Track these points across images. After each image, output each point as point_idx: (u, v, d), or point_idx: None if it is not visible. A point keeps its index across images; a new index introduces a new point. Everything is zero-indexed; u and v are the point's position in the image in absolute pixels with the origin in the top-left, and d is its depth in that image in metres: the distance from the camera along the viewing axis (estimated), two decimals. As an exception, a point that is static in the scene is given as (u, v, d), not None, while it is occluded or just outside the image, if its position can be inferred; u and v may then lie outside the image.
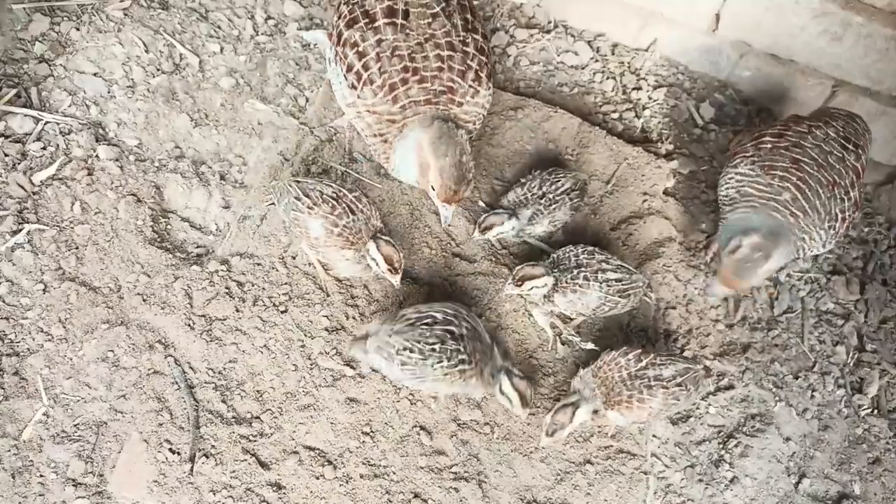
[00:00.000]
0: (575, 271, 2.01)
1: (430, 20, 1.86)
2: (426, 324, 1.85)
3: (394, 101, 1.85)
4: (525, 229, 2.17)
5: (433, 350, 1.81)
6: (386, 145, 1.94)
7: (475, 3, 2.05)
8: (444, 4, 1.89)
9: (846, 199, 1.98)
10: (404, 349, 1.81)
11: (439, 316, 1.87)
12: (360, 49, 1.85)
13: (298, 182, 1.96)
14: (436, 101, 1.87)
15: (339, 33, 1.90)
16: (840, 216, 1.97)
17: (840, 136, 2.02)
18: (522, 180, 2.20)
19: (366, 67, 1.85)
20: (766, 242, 1.89)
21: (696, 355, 2.20)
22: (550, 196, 2.15)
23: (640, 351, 1.93)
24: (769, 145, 2.01)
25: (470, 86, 1.89)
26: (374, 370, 1.96)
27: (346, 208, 1.91)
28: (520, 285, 2.02)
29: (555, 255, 2.08)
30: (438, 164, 1.83)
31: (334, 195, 1.92)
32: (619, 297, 2.02)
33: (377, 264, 1.92)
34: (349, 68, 1.87)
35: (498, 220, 2.12)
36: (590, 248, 2.07)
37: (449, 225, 2.09)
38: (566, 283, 2.01)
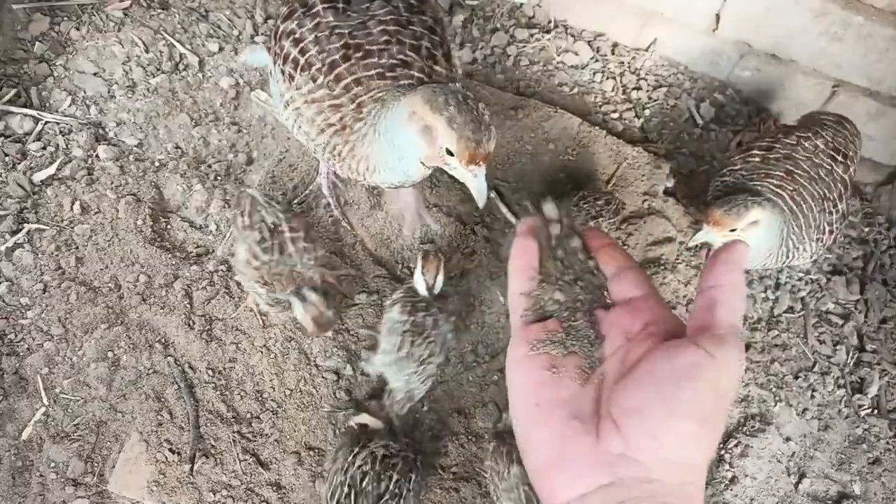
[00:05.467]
0: None
1: (368, 4, 1.67)
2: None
3: (336, 80, 1.58)
4: None
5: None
6: (345, 133, 1.60)
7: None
8: None
9: (835, 211, 1.97)
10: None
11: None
12: (297, 35, 1.63)
13: (253, 197, 1.81)
14: (391, 75, 1.57)
15: (276, 31, 1.71)
16: (828, 229, 1.97)
17: (829, 148, 1.99)
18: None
19: (303, 52, 1.61)
20: (764, 201, 1.83)
21: None
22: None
23: None
24: (758, 158, 1.98)
25: (425, 63, 1.64)
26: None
27: (277, 245, 1.76)
28: None
29: None
30: (445, 116, 1.38)
31: (272, 226, 1.76)
32: None
33: (302, 322, 1.81)
34: (285, 58, 1.64)
35: None
36: None
37: (489, 199, 1.76)
38: None
